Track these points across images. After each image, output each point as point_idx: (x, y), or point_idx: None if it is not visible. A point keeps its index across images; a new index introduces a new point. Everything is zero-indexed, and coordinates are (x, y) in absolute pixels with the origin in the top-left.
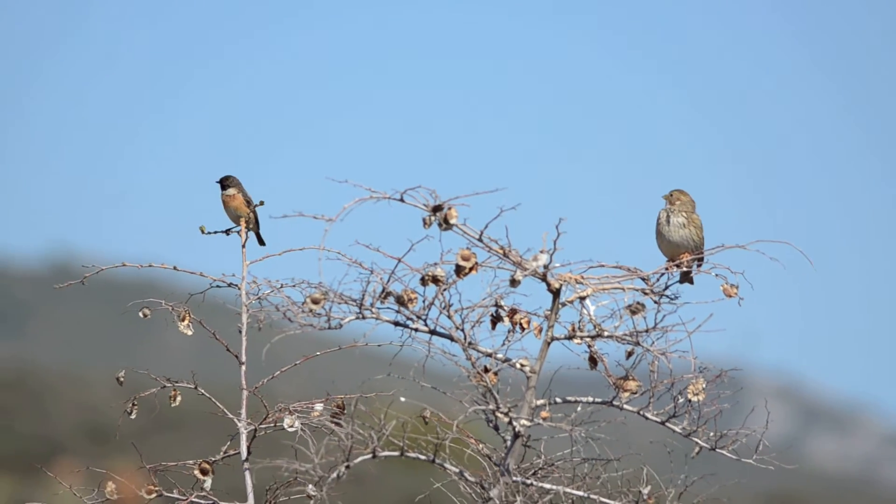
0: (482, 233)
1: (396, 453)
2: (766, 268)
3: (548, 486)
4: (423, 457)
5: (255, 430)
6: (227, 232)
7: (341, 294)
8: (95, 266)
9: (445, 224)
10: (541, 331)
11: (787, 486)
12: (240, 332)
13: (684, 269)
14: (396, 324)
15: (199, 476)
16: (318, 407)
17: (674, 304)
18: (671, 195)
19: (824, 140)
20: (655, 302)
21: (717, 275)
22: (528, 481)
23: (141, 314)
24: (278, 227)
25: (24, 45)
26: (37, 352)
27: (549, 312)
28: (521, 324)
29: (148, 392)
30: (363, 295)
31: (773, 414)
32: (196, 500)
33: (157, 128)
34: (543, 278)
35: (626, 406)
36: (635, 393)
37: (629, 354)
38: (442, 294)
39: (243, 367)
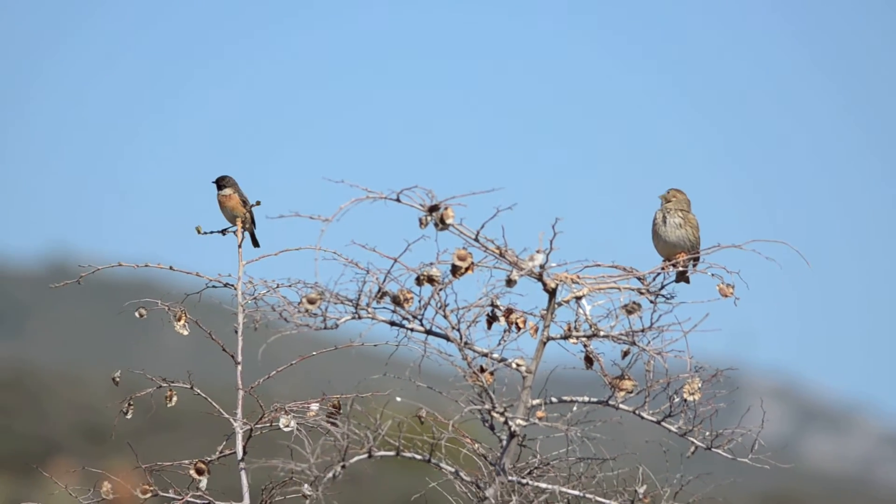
0: (478, 233)
1: (392, 453)
2: (762, 267)
3: (543, 485)
4: (418, 456)
5: (251, 429)
6: (224, 232)
7: (337, 294)
8: (91, 266)
9: (442, 224)
10: (537, 330)
11: (782, 485)
12: (236, 332)
13: (680, 268)
14: (392, 324)
15: (195, 476)
16: (314, 407)
17: (670, 304)
18: (668, 194)
19: (822, 140)
20: (651, 301)
21: (713, 274)
22: (524, 481)
23: (137, 314)
24: (275, 227)
25: (24, 45)
26: (34, 351)
27: (545, 312)
28: (517, 323)
29: (144, 392)
30: (359, 295)
31: (769, 413)
32: (192, 499)
33: (154, 128)
34: (539, 278)
35: (621, 405)
36: (631, 392)
37: (625, 354)
38: (438, 294)
39: (239, 367)
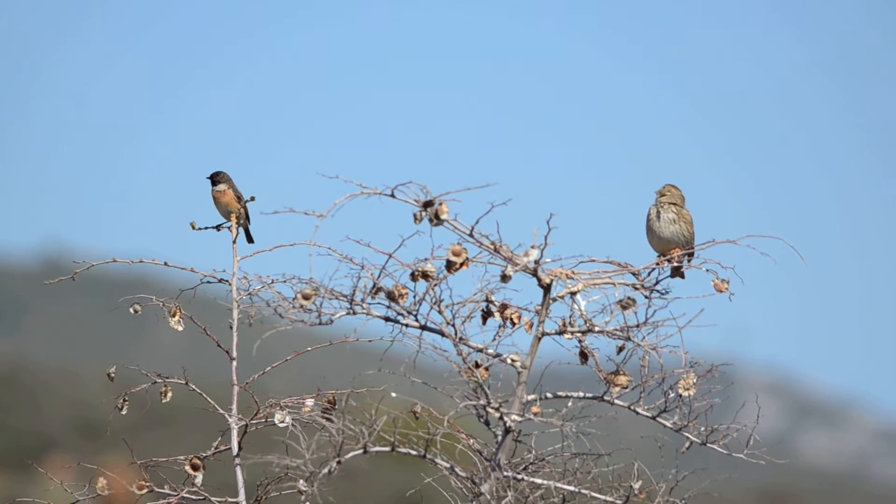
0: (473, 228)
1: (387, 449)
2: (757, 263)
3: (539, 480)
4: (414, 452)
5: (246, 425)
6: (218, 228)
7: (332, 290)
8: (86, 262)
9: (436, 219)
10: (531, 326)
11: (778, 480)
12: (230, 327)
13: (675, 264)
14: (387, 319)
15: (191, 472)
16: (309, 402)
17: (664, 300)
18: (663, 188)
19: (815, 136)
20: (646, 297)
21: (707, 270)
22: (519, 476)
23: (132, 310)
24: (269, 222)
25: (24, 45)
26: (29, 347)
27: (539, 308)
28: (511, 319)
29: (139, 388)
30: (354, 290)
31: (765, 409)
32: (187, 495)
33: (153, 127)
34: (534, 273)
35: (616, 401)
36: (626, 388)
37: (620, 349)
38: (433, 289)
39: (234, 363)
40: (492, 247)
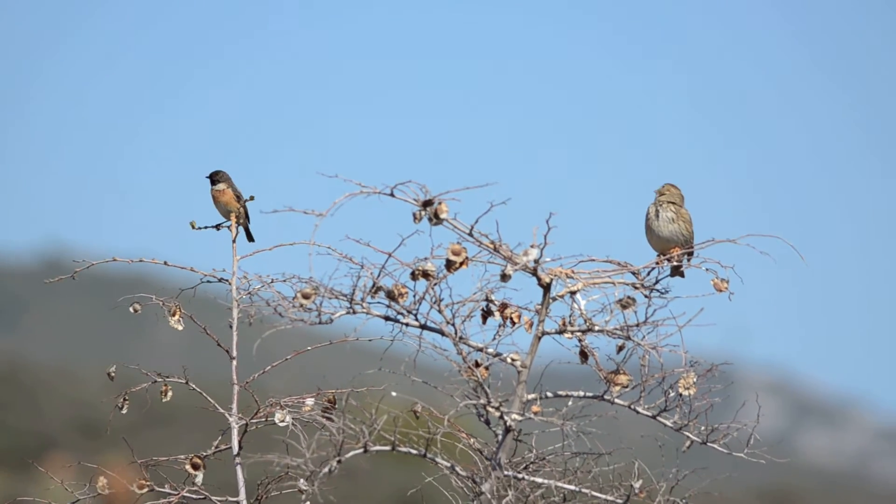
0: (473, 227)
1: (388, 448)
2: (756, 262)
3: (539, 480)
4: (414, 451)
5: (247, 424)
6: (218, 227)
7: (332, 289)
8: (86, 261)
9: (436, 219)
10: (531, 325)
11: (778, 480)
12: (230, 327)
13: (675, 263)
14: (387, 318)
15: (191, 471)
16: (310, 402)
17: (664, 299)
18: (662, 188)
19: (815, 136)
20: (646, 296)
21: (707, 269)
22: (520, 475)
23: (132, 309)
24: (269, 222)
25: (24, 45)
26: (29, 346)
27: (539, 307)
28: (511, 318)
29: (139, 387)
30: (354, 290)
31: (765, 408)
32: (187, 494)
33: (152, 127)
34: (534, 273)
35: (617, 400)
36: (626, 387)
37: (620, 349)
38: (432, 289)
39: (234, 362)
40: (491, 246)
